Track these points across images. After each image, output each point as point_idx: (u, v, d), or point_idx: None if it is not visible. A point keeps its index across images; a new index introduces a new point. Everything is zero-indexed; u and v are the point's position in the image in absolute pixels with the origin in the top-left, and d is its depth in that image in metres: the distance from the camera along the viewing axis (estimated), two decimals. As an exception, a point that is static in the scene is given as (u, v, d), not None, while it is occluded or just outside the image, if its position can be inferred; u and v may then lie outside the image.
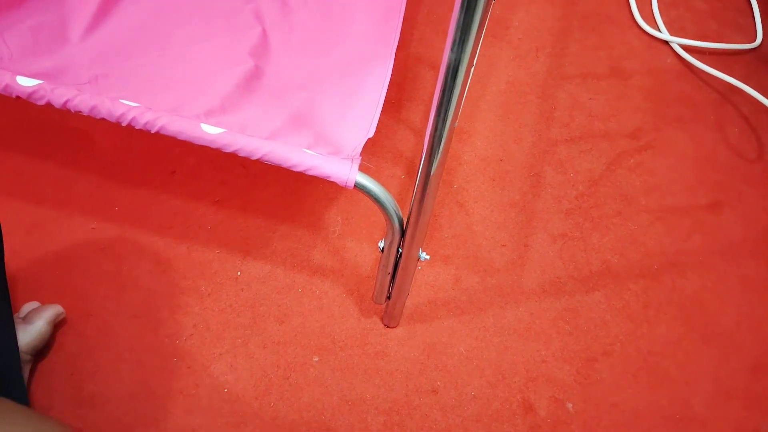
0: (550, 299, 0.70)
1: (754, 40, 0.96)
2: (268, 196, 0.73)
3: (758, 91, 0.86)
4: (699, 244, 0.76)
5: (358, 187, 0.47)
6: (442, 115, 0.39)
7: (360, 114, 0.56)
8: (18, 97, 0.48)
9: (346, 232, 0.71)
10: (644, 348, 0.68)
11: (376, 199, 0.48)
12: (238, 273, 0.67)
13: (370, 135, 0.52)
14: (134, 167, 0.73)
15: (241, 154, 0.47)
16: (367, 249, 0.70)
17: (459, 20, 0.33)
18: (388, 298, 0.60)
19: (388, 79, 0.59)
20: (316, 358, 0.63)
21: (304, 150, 0.48)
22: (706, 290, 0.72)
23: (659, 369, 0.67)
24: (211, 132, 0.47)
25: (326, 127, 0.54)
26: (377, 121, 0.55)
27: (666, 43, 0.95)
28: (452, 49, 0.35)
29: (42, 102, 0.48)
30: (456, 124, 0.41)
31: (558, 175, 0.79)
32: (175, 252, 0.68)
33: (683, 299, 0.71)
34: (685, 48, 0.94)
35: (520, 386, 0.64)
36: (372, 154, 0.78)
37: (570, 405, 0.64)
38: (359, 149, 0.51)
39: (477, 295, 0.69)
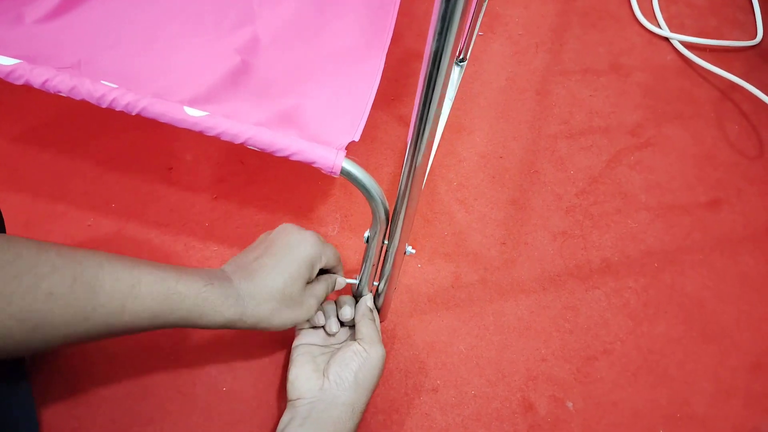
0: (550, 297, 0.69)
1: (755, 37, 0.96)
2: (266, 192, 0.72)
3: (758, 89, 0.86)
4: (699, 241, 0.76)
5: (344, 174, 0.46)
6: (426, 105, 0.39)
7: (347, 115, 0.55)
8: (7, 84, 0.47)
9: (344, 229, 0.71)
10: (644, 346, 0.67)
11: (362, 187, 0.47)
12: (236, 270, 0.66)
13: (356, 139, 0.51)
14: (131, 163, 0.72)
15: (224, 138, 0.46)
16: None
17: (440, 9, 0.33)
18: (377, 292, 0.60)
19: (378, 80, 0.57)
20: (315, 357, 0.63)
21: (289, 135, 0.47)
22: (705, 288, 0.72)
23: (659, 368, 0.67)
24: (194, 115, 0.46)
25: (311, 126, 0.53)
26: (364, 124, 0.53)
27: (666, 39, 0.95)
28: (435, 39, 0.35)
29: (20, 81, 0.46)
30: (441, 113, 0.40)
31: (558, 173, 0.79)
32: (172, 249, 0.67)
33: (683, 297, 0.71)
34: (685, 45, 0.93)
35: (520, 385, 0.64)
36: (366, 149, 0.77)
37: (570, 404, 0.63)
38: (343, 146, 0.50)
39: (477, 293, 0.69)
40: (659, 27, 0.95)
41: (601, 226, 0.75)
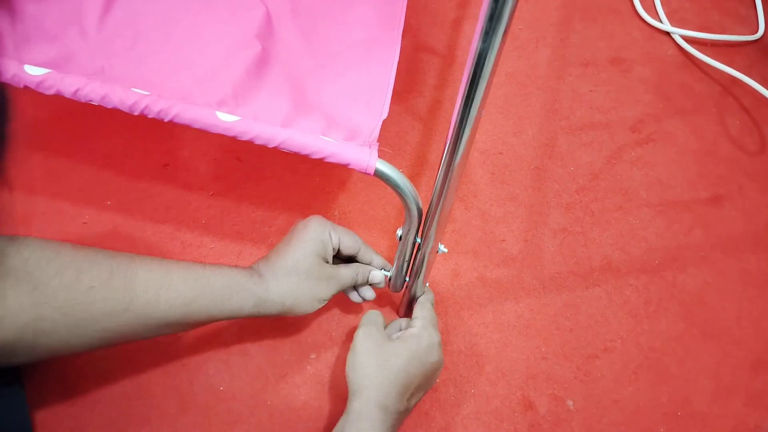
0: (551, 295, 0.69)
1: (756, 32, 0.95)
2: (263, 189, 0.71)
3: (760, 83, 0.85)
4: (700, 238, 0.75)
5: (378, 174, 0.47)
6: (468, 105, 0.39)
7: (371, 96, 0.55)
8: (26, 87, 0.46)
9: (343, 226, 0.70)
10: (645, 344, 0.67)
11: (396, 187, 0.48)
12: (234, 268, 0.66)
13: (384, 116, 0.51)
14: (126, 160, 0.71)
15: (258, 142, 0.47)
16: (365, 244, 0.69)
17: (489, 9, 0.33)
18: (404, 287, 0.60)
19: (397, 60, 0.57)
20: (313, 356, 0.62)
21: (322, 137, 0.47)
22: (707, 285, 0.72)
23: (660, 366, 0.66)
24: (226, 120, 0.46)
25: (338, 110, 0.53)
26: (389, 103, 0.54)
27: (667, 34, 0.94)
28: (481, 39, 0.35)
29: (51, 91, 0.46)
30: (483, 113, 0.40)
31: (558, 169, 0.78)
32: (169, 247, 0.66)
33: (684, 295, 0.71)
34: (687, 39, 0.93)
35: (520, 384, 0.63)
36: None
37: (570, 402, 0.63)
38: (376, 133, 0.50)
39: (476, 291, 0.68)
40: (660, 21, 0.94)
41: (601, 223, 0.75)
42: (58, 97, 0.47)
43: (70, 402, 0.57)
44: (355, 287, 0.60)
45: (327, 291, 0.55)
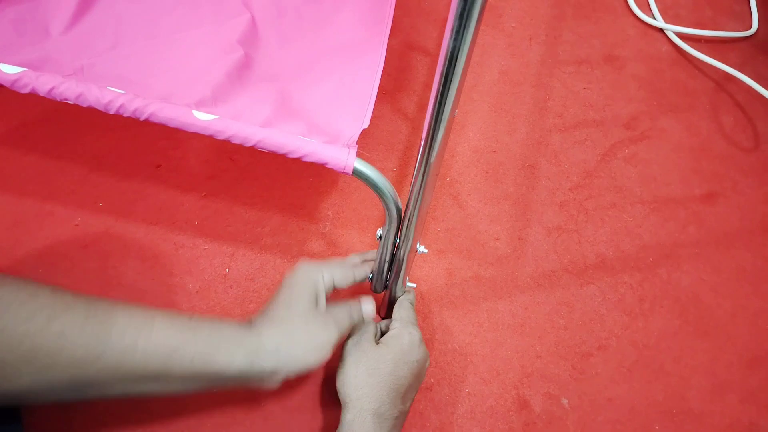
0: (545, 293, 0.69)
1: (750, 28, 0.95)
2: (256, 190, 0.71)
3: (753, 80, 0.85)
4: (694, 235, 0.75)
5: (356, 173, 0.46)
6: (441, 104, 0.39)
7: (353, 103, 0.54)
8: (1, 86, 0.46)
9: (336, 226, 0.70)
10: (640, 342, 0.67)
11: (375, 186, 0.47)
12: (227, 270, 0.66)
13: (365, 126, 0.51)
14: (118, 161, 0.71)
15: (235, 141, 0.46)
16: (359, 244, 0.69)
17: (458, 8, 0.32)
18: (386, 287, 0.59)
19: (382, 67, 0.57)
20: (307, 356, 0.62)
21: (300, 137, 0.47)
22: (701, 282, 0.72)
23: (654, 363, 0.66)
24: (203, 118, 0.46)
25: (319, 116, 0.53)
26: (372, 111, 0.53)
27: (661, 30, 0.94)
28: (452, 37, 0.34)
29: (26, 90, 0.46)
30: (456, 113, 0.40)
31: (552, 167, 0.78)
32: (162, 249, 0.66)
33: (679, 292, 0.71)
34: (680, 36, 0.93)
35: (514, 382, 0.63)
36: (363, 145, 0.76)
37: (565, 400, 0.63)
38: (355, 138, 0.49)
39: (470, 290, 0.68)
40: (654, 18, 0.94)
41: (595, 221, 0.74)
42: (49, 99, 0.47)
43: (67, 404, 0.57)
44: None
45: (325, 337, 0.50)
